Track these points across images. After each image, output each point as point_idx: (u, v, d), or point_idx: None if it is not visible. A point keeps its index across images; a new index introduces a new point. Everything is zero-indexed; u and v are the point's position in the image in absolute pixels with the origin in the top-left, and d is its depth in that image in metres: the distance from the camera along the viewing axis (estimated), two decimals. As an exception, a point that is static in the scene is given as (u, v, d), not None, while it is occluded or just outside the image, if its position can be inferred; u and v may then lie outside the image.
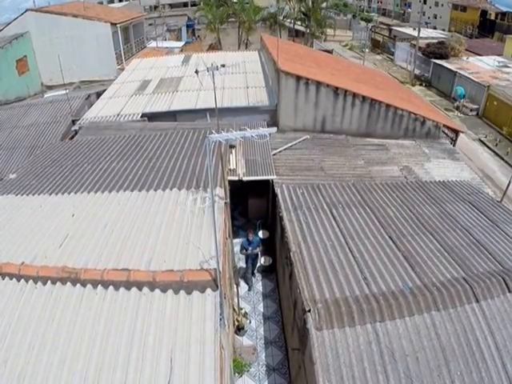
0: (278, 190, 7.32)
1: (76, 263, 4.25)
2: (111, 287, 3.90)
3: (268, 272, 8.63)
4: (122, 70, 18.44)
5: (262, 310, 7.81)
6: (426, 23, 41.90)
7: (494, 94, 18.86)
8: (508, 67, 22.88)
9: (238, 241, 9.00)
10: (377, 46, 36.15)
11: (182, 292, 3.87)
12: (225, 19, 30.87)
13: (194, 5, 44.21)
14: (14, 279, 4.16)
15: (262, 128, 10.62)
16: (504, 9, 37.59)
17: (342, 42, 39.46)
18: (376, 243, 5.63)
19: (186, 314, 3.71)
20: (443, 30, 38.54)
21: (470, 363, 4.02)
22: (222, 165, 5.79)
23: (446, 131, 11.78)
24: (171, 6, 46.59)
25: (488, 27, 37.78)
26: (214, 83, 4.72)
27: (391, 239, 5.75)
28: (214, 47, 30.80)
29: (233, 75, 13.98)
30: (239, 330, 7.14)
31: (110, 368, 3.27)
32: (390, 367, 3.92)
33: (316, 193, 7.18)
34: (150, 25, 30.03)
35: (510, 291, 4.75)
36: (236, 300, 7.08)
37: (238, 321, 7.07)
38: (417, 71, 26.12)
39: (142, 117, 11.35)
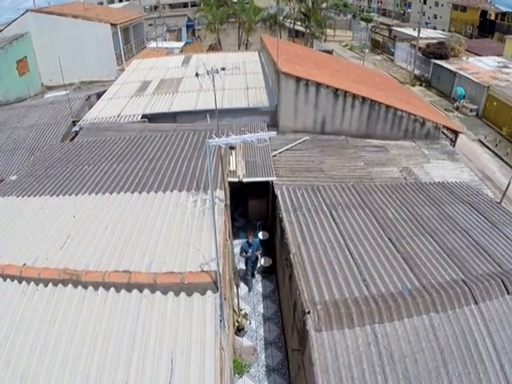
0: (277, 192, 7.35)
1: (77, 265, 4.28)
2: (112, 289, 3.93)
3: (268, 273, 8.66)
4: (122, 70, 18.46)
5: (261, 310, 7.84)
6: (426, 23, 41.91)
7: (494, 95, 18.88)
8: (508, 68, 22.90)
9: (238, 242, 9.04)
10: (377, 47, 36.17)
11: (182, 294, 3.91)
12: (225, 20, 30.89)
13: (194, 5, 44.20)
14: (16, 281, 4.19)
15: (261, 129, 10.65)
16: (504, 9, 37.63)
17: (342, 42, 39.47)
18: (375, 245, 5.66)
19: (186, 315, 3.74)
20: (443, 30, 38.55)
21: (469, 365, 4.05)
22: (222, 167, 5.82)
23: (446, 132, 11.81)
24: (171, 6, 46.58)
25: (488, 27, 37.79)
26: (214, 86, 4.74)
27: (390, 241, 5.78)
28: (214, 48, 30.83)
29: (233, 76, 14.00)
30: (239, 330, 7.17)
31: (111, 369, 3.31)
32: (389, 368, 3.95)
33: (316, 194, 7.21)
34: (150, 25, 30.06)
35: (508, 293, 4.77)
36: (236, 301, 7.11)
37: (238, 322, 7.10)
38: (417, 71, 26.14)
39: (142, 118, 11.38)
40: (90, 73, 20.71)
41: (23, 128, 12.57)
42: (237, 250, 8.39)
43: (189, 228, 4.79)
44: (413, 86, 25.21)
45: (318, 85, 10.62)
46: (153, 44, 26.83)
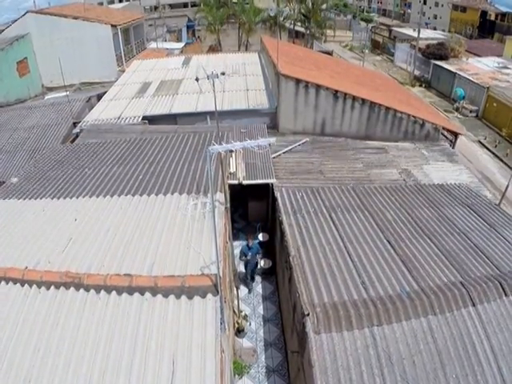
0: (277, 194, 7.40)
1: (79, 268, 4.32)
2: (114, 292, 3.98)
3: (268, 274, 8.70)
4: (123, 71, 18.51)
5: (261, 312, 7.88)
6: (426, 24, 41.95)
7: (494, 96, 18.92)
8: (508, 68, 22.93)
9: (238, 244, 9.08)
10: (377, 47, 36.21)
11: (183, 297, 3.95)
12: (225, 20, 30.93)
13: (194, 5, 44.23)
14: (18, 284, 4.23)
15: (261, 131, 10.64)
16: (504, 9, 37.63)
17: (342, 42, 39.50)
18: (374, 247, 5.71)
19: (187, 318, 3.79)
20: (443, 30, 38.57)
21: (466, 366, 4.09)
22: (222, 169, 5.87)
23: (446, 133, 11.84)
24: (171, 6, 46.63)
25: (488, 28, 37.82)
26: (214, 92, 4.79)
27: (389, 243, 5.83)
28: (214, 48, 30.87)
29: (233, 78, 14.04)
30: (239, 332, 7.22)
31: (113, 372, 3.36)
32: (387, 370, 3.99)
33: (315, 196, 7.26)
34: (150, 25, 30.08)
35: (506, 295, 4.81)
36: (236, 302, 7.15)
37: (238, 323, 7.14)
38: (416, 72, 26.18)
39: (142, 120, 11.42)
40: (91, 74, 20.76)
41: (24, 129, 12.62)
42: (237, 251, 8.43)
43: (189, 231, 4.84)
44: (413, 86, 25.25)
45: (318, 87, 10.67)
46: (153, 45, 26.87)
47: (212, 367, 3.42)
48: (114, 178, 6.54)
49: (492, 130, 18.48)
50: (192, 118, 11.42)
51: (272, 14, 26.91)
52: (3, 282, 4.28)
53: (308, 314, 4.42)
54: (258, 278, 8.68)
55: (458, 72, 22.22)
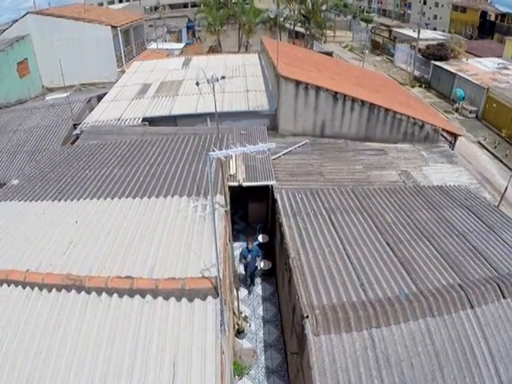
0: (277, 196, 7.43)
1: (80, 270, 4.36)
2: (115, 295, 4.02)
3: (268, 276, 8.74)
4: (123, 72, 18.56)
5: (261, 313, 7.92)
6: (426, 24, 41.97)
7: (494, 96, 18.95)
8: (507, 69, 22.96)
9: (238, 245, 9.12)
10: (377, 48, 36.24)
11: (183, 300, 3.99)
12: (225, 21, 30.97)
13: (194, 5, 44.27)
14: (20, 286, 4.27)
15: (261, 134, 10.67)
16: (504, 10, 37.64)
17: (342, 42, 39.53)
18: (373, 249, 5.74)
19: (187, 321, 3.83)
20: (443, 31, 38.59)
21: (464, 368, 4.13)
22: (222, 172, 5.90)
23: (445, 135, 11.87)
24: (171, 6, 46.67)
25: (488, 28, 37.83)
26: (214, 95, 4.83)
27: (388, 245, 5.86)
28: (215, 49, 30.92)
29: (233, 79, 14.07)
30: (239, 333, 7.26)
31: (115, 374, 3.39)
32: (385, 372, 4.03)
33: (315, 198, 7.29)
34: (151, 26, 30.13)
35: (504, 297, 4.85)
36: (236, 303, 7.19)
37: (238, 324, 7.18)
38: (416, 73, 26.21)
39: (142, 121, 11.46)
40: (91, 75, 20.81)
41: (24, 131, 12.67)
42: (237, 253, 8.48)
43: (190, 234, 4.87)
44: (412, 87, 25.28)
45: (318, 88, 10.70)
46: (153, 45, 26.91)
47: (212, 369, 3.46)
48: (115, 180, 6.58)
49: (492, 131, 18.51)
50: (192, 119, 11.46)
51: (272, 16, 26.95)
52: (5, 285, 4.31)
53: (307, 317, 4.46)
54: (257, 280, 8.71)
55: (457, 73, 22.26)
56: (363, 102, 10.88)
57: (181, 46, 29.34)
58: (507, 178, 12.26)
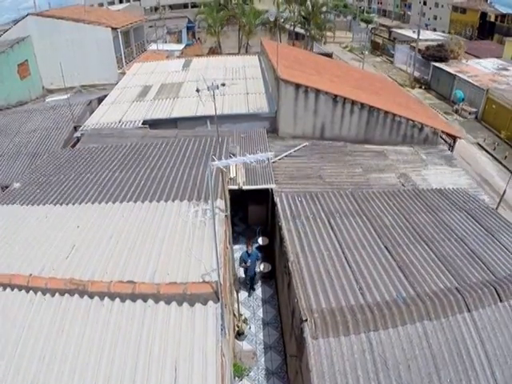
0: (277, 199, 7.50)
1: (83, 275, 4.42)
2: (118, 299, 4.08)
3: (267, 278, 8.81)
4: (123, 74, 18.62)
5: (261, 315, 7.99)
6: (426, 25, 42.02)
7: (493, 98, 19.01)
8: (507, 70, 23.01)
9: (238, 247, 9.19)
10: (377, 48, 36.30)
11: (185, 304, 4.05)
12: (225, 23, 31.03)
13: (194, 6, 44.33)
14: (23, 291, 4.33)
15: (261, 137, 10.71)
16: (504, 10, 37.66)
17: (342, 43, 39.60)
18: (372, 253, 5.81)
19: (189, 325, 3.89)
20: (443, 31, 38.63)
21: (460, 371, 4.20)
22: (222, 177, 5.96)
23: (444, 137, 11.94)
24: (171, 7, 46.75)
25: (488, 29, 37.89)
26: (214, 103, 4.89)
27: (387, 249, 5.93)
28: (215, 50, 30.97)
29: (233, 81, 14.14)
30: (239, 335, 7.33)
31: (117, 378, 3.46)
32: (383, 375, 4.10)
33: (314, 202, 7.36)
34: (151, 27, 30.19)
35: (501, 301, 4.91)
36: (236, 306, 7.26)
37: (238, 326, 7.26)
38: (416, 74, 26.26)
39: (143, 124, 11.52)
40: (91, 76, 20.87)
41: (25, 133, 12.73)
42: (237, 255, 8.54)
43: (190, 238, 4.94)
44: (412, 88, 25.34)
45: (318, 91, 10.77)
46: (153, 46, 26.97)
47: (213, 372, 3.52)
48: (116, 183, 6.64)
49: (491, 132, 18.57)
50: (192, 122, 11.52)
51: (272, 19, 27.13)
52: (8, 289, 4.37)
53: (306, 320, 4.53)
54: (257, 283, 8.77)
55: (457, 74, 22.32)
56: (363, 105, 10.95)
57: (181, 47, 29.41)
58: (506, 179, 12.32)
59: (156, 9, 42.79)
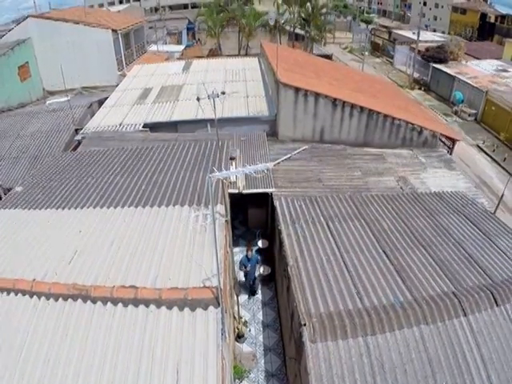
0: (276, 203, 7.57)
1: (86, 280, 4.50)
2: (120, 304, 4.16)
3: (267, 281, 8.88)
4: (124, 75, 18.69)
5: (261, 317, 8.07)
6: (426, 25, 42.08)
7: (492, 99, 19.07)
8: (507, 71, 23.06)
9: (238, 250, 9.26)
10: (376, 49, 36.37)
11: (186, 309, 4.14)
12: (225, 24, 31.11)
13: (194, 7, 44.43)
14: (27, 296, 4.41)
15: (261, 140, 10.78)
16: (504, 10, 37.73)
17: (342, 44, 39.66)
18: (370, 257, 5.88)
19: (190, 329, 3.98)
20: (443, 32, 38.70)
21: (456, 375, 4.27)
22: (222, 182, 6.04)
23: (443, 139, 12.00)
24: (171, 8, 46.84)
25: (488, 30, 37.93)
26: (214, 111, 4.97)
27: (385, 253, 6.00)
28: (215, 52, 31.04)
29: (233, 83, 14.22)
30: (239, 337, 7.41)
31: (120, 381, 3.55)
32: (380, 378, 4.18)
33: (313, 205, 7.43)
34: (151, 28, 30.27)
35: (497, 305, 4.98)
36: (236, 308, 7.34)
37: (238, 329, 7.34)
38: (416, 75, 26.32)
39: (143, 127, 11.60)
40: (91, 78, 20.94)
41: (26, 136, 12.79)
42: (237, 258, 8.62)
43: (191, 244, 5.02)
44: (412, 89, 25.39)
45: (317, 95, 10.84)
46: (153, 47, 27.04)
47: (214, 375, 3.61)
48: (117, 188, 6.71)
49: (490, 134, 18.64)
50: (192, 125, 11.60)
51: (272, 23, 27.23)
52: (12, 294, 4.45)
53: (305, 324, 4.61)
54: (257, 283, 8.84)
55: (457, 75, 22.38)
56: (362, 108, 11.02)
57: (181, 48, 29.48)
58: (505, 181, 12.38)
59: (156, 9, 42.90)
